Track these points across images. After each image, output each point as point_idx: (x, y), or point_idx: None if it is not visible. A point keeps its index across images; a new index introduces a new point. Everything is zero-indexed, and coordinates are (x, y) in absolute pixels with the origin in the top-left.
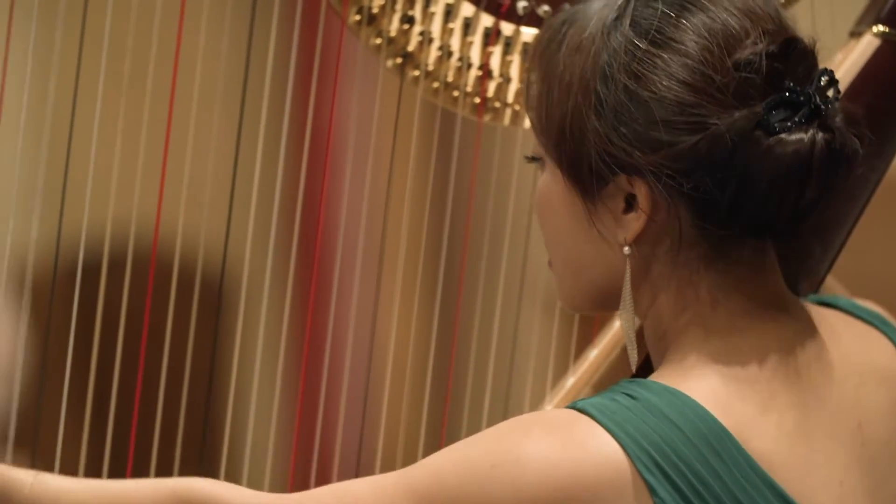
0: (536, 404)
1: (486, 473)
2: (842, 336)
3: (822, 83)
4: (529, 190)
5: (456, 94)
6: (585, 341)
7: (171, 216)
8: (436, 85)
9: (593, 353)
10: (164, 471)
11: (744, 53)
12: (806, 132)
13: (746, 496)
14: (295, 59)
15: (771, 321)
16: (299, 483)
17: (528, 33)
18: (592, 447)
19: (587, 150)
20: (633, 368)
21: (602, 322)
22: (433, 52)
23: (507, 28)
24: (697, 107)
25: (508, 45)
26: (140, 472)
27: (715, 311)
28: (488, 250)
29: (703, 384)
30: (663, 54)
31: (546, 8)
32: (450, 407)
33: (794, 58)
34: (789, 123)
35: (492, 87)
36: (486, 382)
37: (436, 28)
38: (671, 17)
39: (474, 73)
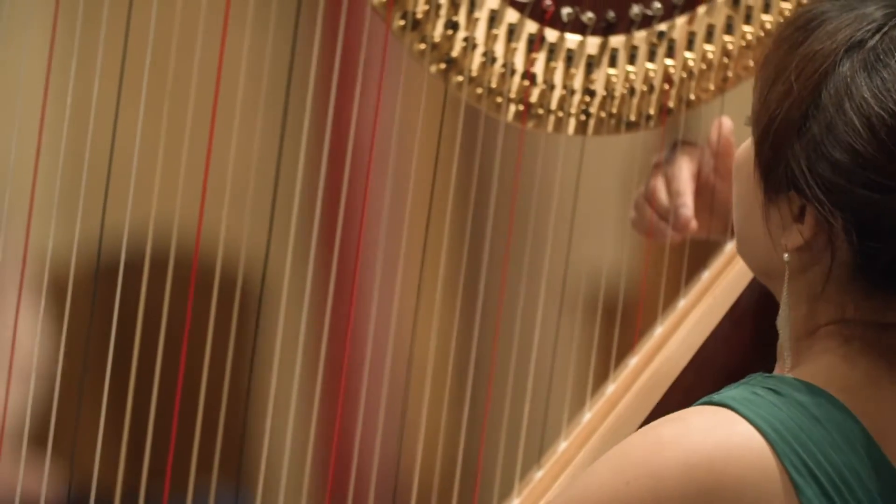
0: (576, 410)
1: (624, 492)
2: None
3: None
4: (571, 194)
5: (499, 100)
6: (626, 346)
7: (212, 219)
8: (479, 91)
9: (633, 361)
10: (203, 470)
11: None
12: None
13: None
14: (338, 62)
15: None
16: (322, 479)
17: (573, 40)
18: (736, 443)
19: (779, 159)
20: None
21: (643, 328)
22: (477, 58)
23: (551, 34)
24: (883, 172)
25: (552, 52)
26: (178, 472)
27: (864, 328)
28: (530, 254)
29: (841, 383)
30: (874, 103)
31: (590, 15)
32: (489, 414)
33: None
34: None
35: (535, 94)
36: (525, 387)
37: (480, 34)
38: None
39: (518, 79)
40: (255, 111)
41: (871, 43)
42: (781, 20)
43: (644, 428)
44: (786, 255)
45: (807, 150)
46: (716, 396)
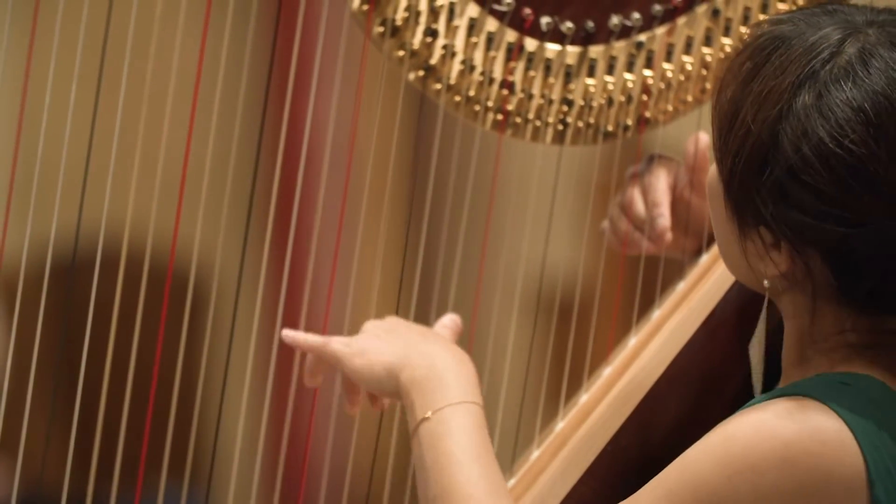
0: (548, 419)
1: (725, 486)
2: None
3: None
4: (548, 202)
5: (477, 108)
6: (600, 356)
7: (164, 217)
8: (457, 98)
9: (607, 371)
10: (153, 469)
11: None
12: None
13: None
14: (294, 60)
15: None
16: (271, 478)
17: (552, 49)
18: (829, 436)
19: (747, 199)
20: (756, 395)
21: (617, 339)
22: (455, 66)
23: (530, 44)
24: (850, 208)
25: (531, 61)
26: (127, 467)
27: (861, 335)
28: (503, 262)
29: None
30: (831, 144)
31: (570, 24)
32: None
33: None
34: None
35: (513, 102)
36: (498, 396)
37: (459, 42)
38: (852, 104)
39: (496, 87)
40: (209, 110)
41: (822, 76)
42: None
43: (741, 415)
44: (765, 282)
45: (772, 192)
46: (791, 388)
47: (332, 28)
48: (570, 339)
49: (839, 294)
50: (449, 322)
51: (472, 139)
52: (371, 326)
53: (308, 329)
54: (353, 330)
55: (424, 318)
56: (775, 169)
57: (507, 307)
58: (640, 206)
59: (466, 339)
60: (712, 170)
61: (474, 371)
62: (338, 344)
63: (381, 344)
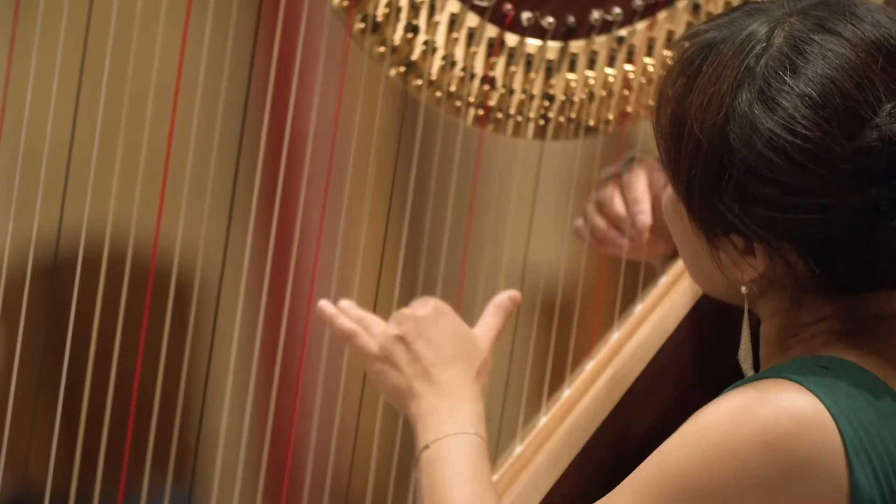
0: (531, 414)
1: (707, 473)
2: None
3: None
4: (530, 196)
5: (458, 103)
6: (583, 351)
7: (126, 213)
8: (438, 94)
9: (590, 366)
10: (137, 458)
11: (865, 139)
12: None
13: None
14: (274, 58)
15: None
16: (255, 473)
17: (532, 44)
18: (808, 417)
19: (712, 211)
20: None
21: (599, 333)
22: (436, 62)
23: (511, 39)
24: (814, 193)
25: (512, 56)
26: (110, 463)
27: (842, 322)
28: (486, 257)
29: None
30: (783, 134)
31: (550, 19)
32: None
33: None
34: None
35: (495, 98)
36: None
37: (440, 38)
38: (794, 89)
39: (477, 83)
40: (191, 107)
41: (759, 70)
42: None
43: (716, 403)
44: (743, 288)
45: (735, 196)
46: (770, 372)
47: (315, 22)
48: (552, 333)
49: (821, 282)
50: (506, 301)
51: (456, 134)
52: (406, 321)
53: (290, 325)
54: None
55: None
56: (733, 172)
57: (485, 297)
58: (618, 204)
59: None
60: (667, 192)
61: (482, 405)
62: (365, 340)
63: (404, 357)
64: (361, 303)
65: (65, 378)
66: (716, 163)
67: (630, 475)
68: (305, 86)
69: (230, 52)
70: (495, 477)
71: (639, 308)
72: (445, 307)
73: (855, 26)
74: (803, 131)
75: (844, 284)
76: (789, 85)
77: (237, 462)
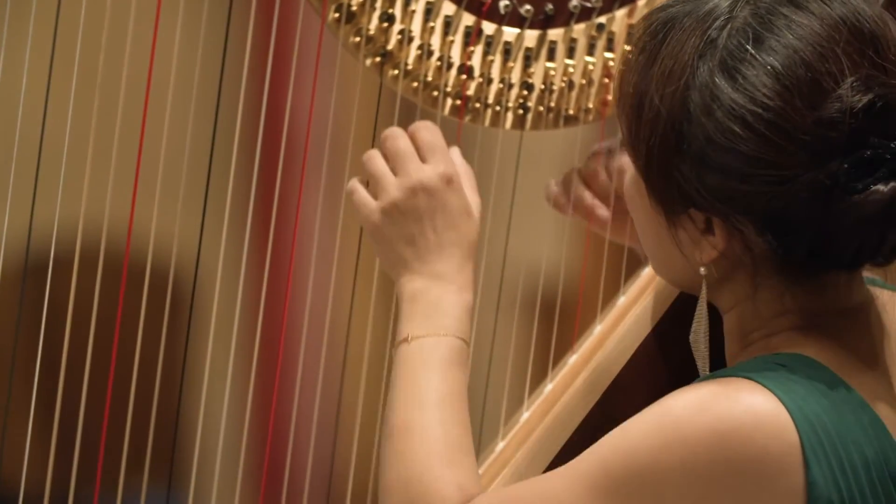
0: (513, 409)
1: (654, 459)
2: None
3: None
4: (508, 189)
5: (436, 93)
6: (565, 344)
7: (143, 213)
8: (415, 84)
9: (573, 359)
10: (134, 468)
11: (827, 111)
12: (886, 185)
13: (886, 489)
14: (271, 55)
15: (860, 320)
16: (255, 474)
17: (510, 33)
18: (763, 413)
19: (671, 182)
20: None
21: (582, 326)
22: (413, 51)
23: (488, 27)
24: (773, 164)
25: (490, 45)
26: (85, 464)
27: (803, 317)
28: None
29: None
30: (744, 103)
31: (528, 7)
32: None
33: (881, 114)
34: (870, 180)
35: (472, 87)
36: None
37: (416, 27)
38: (757, 59)
39: (454, 72)
40: (187, 106)
41: (721, 41)
42: None
43: (676, 393)
44: (702, 269)
45: (694, 166)
46: (731, 371)
47: (310, 19)
48: (534, 326)
49: (780, 262)
50: None
51: (451, 130)
52: (418, 193)
53: (289, 325)
54: (334, 328)
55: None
56: (693, 142)
57: (489, 302)
58: (604, 174)
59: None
60: (629, 175)
61: (471, 301)
62: (363, 196)
63: (406, 231)
64: (358, 301)
65: (63, 380)
66: (675, 132)
67: (590, 447)
68: (300, 82)
69: (202, 46)
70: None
71: (622, 300)
72: (453, 173)
73: (822, 1)
74: (765, 100)
75: (803, 263)
76: (751, 54)
77: (215, 463)
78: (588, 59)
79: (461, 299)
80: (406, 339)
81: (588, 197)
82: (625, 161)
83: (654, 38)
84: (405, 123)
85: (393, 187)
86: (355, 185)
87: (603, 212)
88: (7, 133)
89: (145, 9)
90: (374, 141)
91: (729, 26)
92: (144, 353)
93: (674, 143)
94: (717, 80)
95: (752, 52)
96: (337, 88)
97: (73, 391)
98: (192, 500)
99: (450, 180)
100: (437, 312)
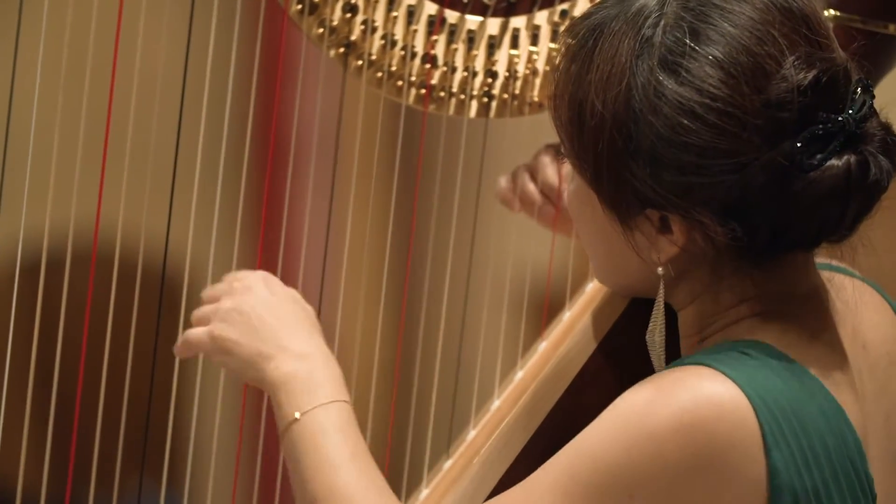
0: (485, 398)
1: (625, 458)
2: (866, 306)
3: (856, 104)
4: (475, 181)
5: (400, 83)
6: (534, 332)
7: (114, 213)
8: (379, 74)
9: (542, 346)
10: (130, 458)
11: (774, 92)
12: (840, 159)
13: (847, 476)
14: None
15: (817, 303)
16: (245, 479)
17: (473, 21)
18: (724, 401)
19: (624, 186)
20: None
21: (551, 314)
22: (377, 42)
23: (451, 16)
24: (728, 152)
25: (453, 34)
26: (81, 465)
27: (763, 303)
28: (434, 243)
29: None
30: (691, 96)
31: None
32: (396, 400)
33: (827, 88)
34: (823, 155)
35: (436, 76)
36: (432, 378)
37: (379, 16)
38: (697, 51)
39: (418, 61)
40: (176, 107)
41: (657, 39)
42: None
43: (635, 388)
44: (660, 270)
45: (647, 166)
46: (690, 359)
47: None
48: (502, 315)
49: (741, 249)
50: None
51: (444, 126)
52: (235, 293)
53: None
54: (324, 327)
55: (375, 308)
56: (643, 141)
57: (439, 285)
58: (550, 172)
59: (416, 328)
60: (570, 189)
61: (339, 370)
62: (199, 334)
63: (246, 327)
64: (347, 300)
65: (57, 381)
66: (622, 135)
67: (551, 459)
68: (301, 84)
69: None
70: (448, 464)
71: (590, 286)
72: (266, 274)
73: None
74: (712, 90)
75: (765, 246)
76: (691, 47)
77: (210, 462)
78: (552, 45)
79: (331, 371)
80: (295, 419)
81: (534, 192)
82: (566, 171)
83: (583, 46)
84: (392, 123)
85: (216, 305)
86: (187, 334)
87: (549, 208)
88: (43, 136)
89: (133, 11)
90: (360, 141)
91: (662, 23)
92: (138, 353)
93: (622, 145)
94: (659, 77)
95: (692, 45)
96: (324, 88)
97: (68, 392)
98: (187, 498)
99: (265, 278)
100: (316, 386)
